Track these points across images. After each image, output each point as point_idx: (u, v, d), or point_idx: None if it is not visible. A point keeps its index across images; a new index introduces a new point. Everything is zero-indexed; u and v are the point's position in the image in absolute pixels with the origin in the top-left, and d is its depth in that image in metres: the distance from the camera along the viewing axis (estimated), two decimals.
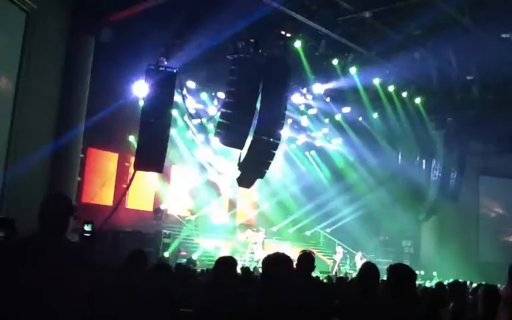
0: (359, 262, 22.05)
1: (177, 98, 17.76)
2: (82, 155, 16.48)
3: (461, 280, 16.45)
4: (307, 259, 5.45)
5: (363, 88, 19.55)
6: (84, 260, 3.43)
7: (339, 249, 22.57)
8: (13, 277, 3.08)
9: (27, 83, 12.62)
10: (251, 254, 20.60)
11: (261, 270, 3.69)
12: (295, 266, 5.44)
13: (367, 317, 3.64)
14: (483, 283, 11.70)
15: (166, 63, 15.06)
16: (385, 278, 4.07)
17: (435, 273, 21.38)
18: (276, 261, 3.49)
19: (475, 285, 12.17)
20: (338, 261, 21.98)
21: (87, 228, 2.98)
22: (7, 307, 3.02)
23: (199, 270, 11.75)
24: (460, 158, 23.03)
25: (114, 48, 15.44)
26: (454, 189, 23.53)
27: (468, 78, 19.23)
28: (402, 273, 3.88)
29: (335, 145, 24.86)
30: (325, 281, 11.10)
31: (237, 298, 3.92)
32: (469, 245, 24.07)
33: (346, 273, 19.17)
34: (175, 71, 14.81)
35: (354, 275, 16.71)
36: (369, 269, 4.54)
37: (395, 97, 20.32)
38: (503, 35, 16.28)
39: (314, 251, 19.06)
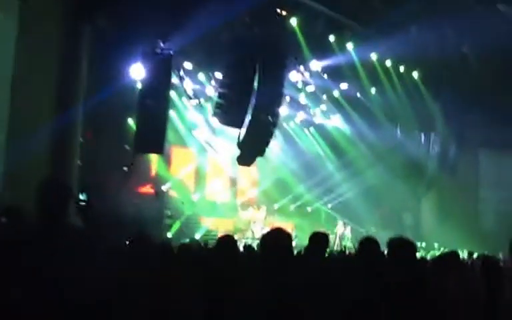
0: (341, 231, 22.16)
1: (175, 80, 17.79)
2: (81, 140, 16.49)
3: (460, 250, 16.66)
4: (320, 239, 5.45)
5: (360, 63, 19.50)
6: (83, 244, 3.44)
7: (340, 223, 22.69)
8: (14, 266, 3.10)
9: (22, 70, 12.62)
10: (253, 232, 20.71)
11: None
12: (306, 246, 5.49)
13: (368, 293, 3.69)
14: (485, 253, 11.85)
15: (162, 45, 15.03)
16: (385, 252, 4.10)
17: (435, 244, 21.55)
18: (274, 238, 3.54)
19: (475, 255, 12.30)
20: (339, 234, 22.09)
21: (82, 197, 3.00)
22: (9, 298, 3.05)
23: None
24: (459, 131, 23.03)
25: (110, 32, 15.37)
26: (453, 161, 23.59)
27: (465, 51, 19.16)
28: (402, 246, 3.89)
29: (334, 121, 24.85)
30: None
31: (240, 278, 3.97)
32: (469, 215, 24.16)
33: (345, 247, 19.30)
34: (171, 52, 14.79)
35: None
36: (368, 244, 4.57)
37: (393, 72, 20.29)
38: (500, 7, 16.21)
39: (315, 226, 19.14)
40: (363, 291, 3.90)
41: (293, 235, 18.66)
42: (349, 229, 22.75)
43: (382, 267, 4.09)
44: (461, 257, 14.39)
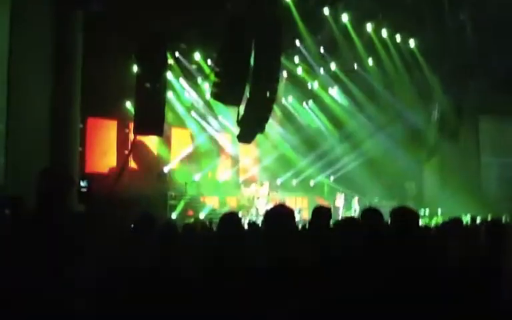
0: (357, 206, 22.33)
1: (171, 61, 17.72)
2: (81, 125, 16.50)
3: (464, 215, 16.72)
4: (322, 213, 5.47)
5: (356, 35, 19.43)
6: (86, 230, 3.46)
7: (339, 195, 22.76)
8: (16, 257, 3.11)
9: (18, 59, 12.60)
10: (257, 208, 20.78)
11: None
12: (308, 221, 5.51)
13: (372, 264, 3.70)
14: (489, 217, 11.91)
15: (157, 26, 14.94)
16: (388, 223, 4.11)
17: (439, 211, 21.62)
18: (277, 214, 3.55)
19: (478, 219, 12.33)
20: (340, 207, 22.17)
21: (83, 184, 3.00)
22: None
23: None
24: (458, 98, 22.97)
25: (104, 16, 15.30)
26: (454, 128, 23.57)
27: (462, 17, 19.03)
28: (404, 215, 3.90)
29: (332, 94, 24.80)
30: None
31: (244, 255, 3.99)
32: (471, 181, 24.21)
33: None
34: (166, 33, 14.72)
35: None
36: (370, 214, 4.57)
37: (389, 42, 20.22)
38: None
39: (319, 200, 19.22)
40: (365, 262, 3.91)
41: (298, 209, 18.86)
42: (356, 200, 22.78)
43: (384, 237, 4.10)
44: (464, 222, 14.47)
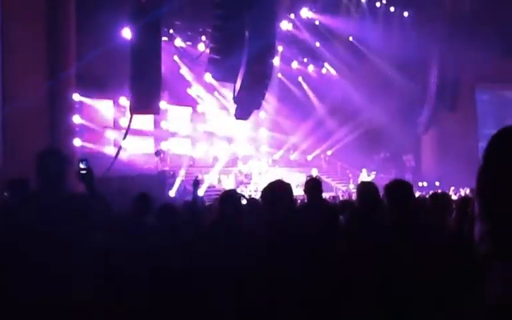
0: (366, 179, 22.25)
1: (165, 38, 17.58)
2: (77, 106, 16.46)
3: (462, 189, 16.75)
4: (314, 183, 5.56)
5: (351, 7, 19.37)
6: (86, 209, 3.45)
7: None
8: (19, 236, 3.12)
9: (11, 39, 12.54)
10: (255, 184, 20.77)
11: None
12: (302, 192, 5.57)
13: (369, 239, 3.72)
14: None
15: (150, 2, 14.78)
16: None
17: (437, 183, 21.67)
18: (275, 189, 3.56)
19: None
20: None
21: (82, 165, 3.02)
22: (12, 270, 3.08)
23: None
24: (455, 68, 22.94)
25: None
26: (451, 99, 23.58)
27: None
28: (398, 190, 3.90)
29: (327, 68, 24.71)
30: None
31: (244, 233, 4.01)
32: (469, 152, 24.25)
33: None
34: (159, 10, 14.57)
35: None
36: (365, 188, 4.61)
37: (385, 12, 20.14)
38: None
39: (317, 174, 19.21)
40: (360, 235, 3.94)
41: (296, 184, 18.88)
42: (365, 173, 22.57)
43: (379, 211, 4.13)
44: (462, 194, 14.51)
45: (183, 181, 19.11)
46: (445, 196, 5.98)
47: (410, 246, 3.44)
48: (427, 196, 7.84)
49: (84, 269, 3.20)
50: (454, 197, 9.77)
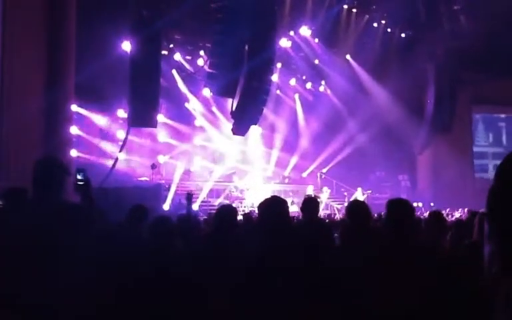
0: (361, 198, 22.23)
1: (165, 51, 17.63)
2: (75, 117, 16.44)
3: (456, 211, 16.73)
4: (311, 202, 5.58)
5: (349, 26, 19.50)
6: (81, 218, 3.45)
7: (325, 189, 22.68)
8: (15, 244, 3.11)
9: (12, 45, 12.60)
10: (250, 199, 20.74)
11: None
12: (297, 209, 5.60)
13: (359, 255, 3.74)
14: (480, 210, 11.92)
15: (150, 16, 14.86)
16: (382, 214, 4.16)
17: (432, 204, 21.66)
18: (271, 205, 3.57)
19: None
20: (324, 201, 21.97)
21: (79, 176, 3.02)
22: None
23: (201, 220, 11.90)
24: (451, 89, 23.05)
25: (96, 5, 15.23)
26: (447, 120, 23.66)
27: (455, 8, 19.08)
28: (399, 208, 3.92)
29: (325, 86, 24.84)
30: None
31: (240, 247, 4.01)
32: (464, 173, 24.31)
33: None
34: (160, 24, 14.65)
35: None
36: (356, 208, 4.64)
37: (382, 33, 20.30)
38: None
39: (311, 191, 19.16)
40: (355, 255, 3.95)
41: (291, 200, 18.86)
42: (360, 192, 22.56)
43: (370, 230, 4.16)
44: (458, 216, 14.47)
45: (177, 194, 19.08)
46: (441, 216, 6.01)
47: (402, 266, 3.45)
48: (425, 215, 7.87)
49: (75, 277, 3.19)
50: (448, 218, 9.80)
